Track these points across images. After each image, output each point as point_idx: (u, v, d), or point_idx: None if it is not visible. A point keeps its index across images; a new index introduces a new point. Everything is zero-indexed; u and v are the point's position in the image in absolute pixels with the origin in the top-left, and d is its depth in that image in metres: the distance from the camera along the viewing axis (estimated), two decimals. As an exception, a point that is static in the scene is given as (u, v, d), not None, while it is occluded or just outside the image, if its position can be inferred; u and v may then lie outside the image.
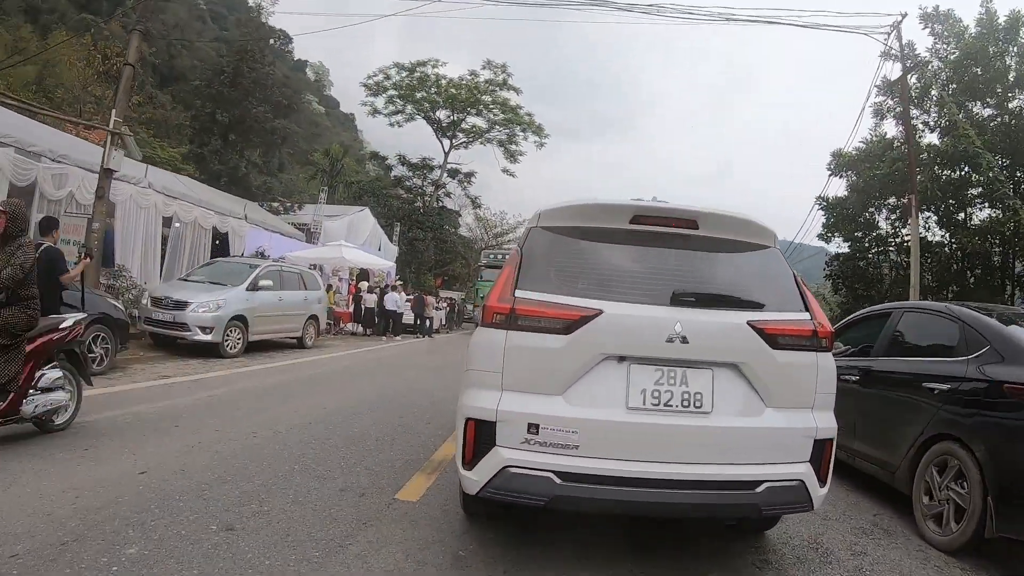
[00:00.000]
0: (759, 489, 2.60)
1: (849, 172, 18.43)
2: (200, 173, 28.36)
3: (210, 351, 9.68)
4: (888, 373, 4.69)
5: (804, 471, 2.68)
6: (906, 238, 17.69)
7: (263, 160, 26.83)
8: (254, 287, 10.68)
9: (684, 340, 2.61)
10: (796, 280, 2.97)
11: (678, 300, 2.69)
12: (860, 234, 18.71)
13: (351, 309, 18.55)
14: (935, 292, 16.31)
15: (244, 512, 3.26)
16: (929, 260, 15.45)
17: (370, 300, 18.42)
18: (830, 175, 18.86)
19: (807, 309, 2.85)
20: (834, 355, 5.39)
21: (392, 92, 40.44)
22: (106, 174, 10.47)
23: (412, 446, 5.02)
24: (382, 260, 22.24)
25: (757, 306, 2.76)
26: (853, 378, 4.94)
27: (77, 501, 3.22)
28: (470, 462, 2.65)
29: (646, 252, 2.91)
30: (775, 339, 2.69)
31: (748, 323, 2.68)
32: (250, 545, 2.84)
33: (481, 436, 2.62)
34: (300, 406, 6.33)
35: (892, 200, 17.90)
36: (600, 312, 2.62)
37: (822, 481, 2.75)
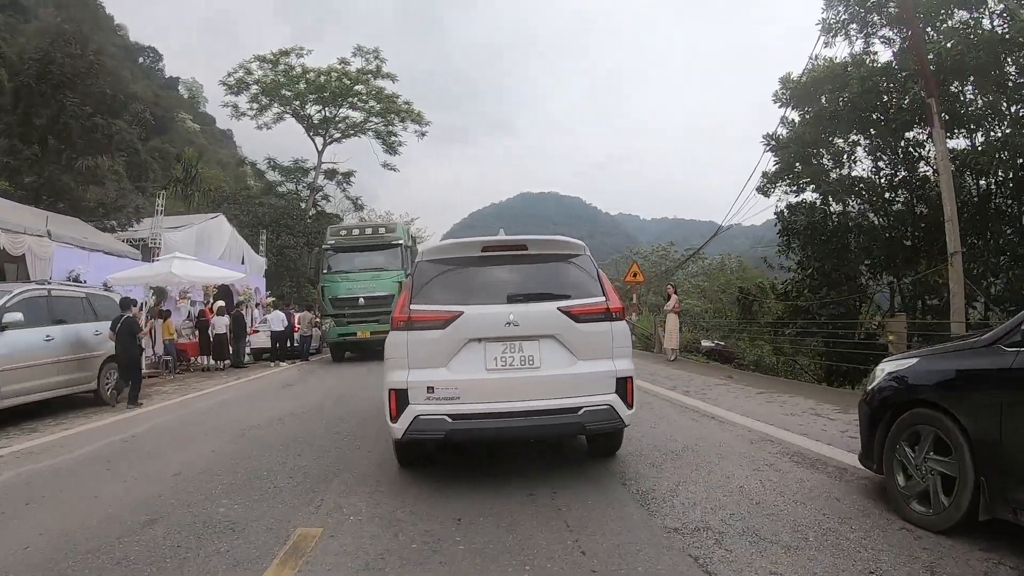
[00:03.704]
0: (580, 413, 4.05)
1: (805, 107, 15.70)
2: (16, 189, 24.01)
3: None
4: None
5: (612, 399, 4.13)
6: (859, 176, 15.56)
7: (102, 170, 22.82)
8: (-7, 328, 7.41)
9: (516, 324, 4.14)
10: (598, 276, 4.50)
11: (512, 299, 4.28)
12: (816, 174, 15.95)
13: (196, 338, 15.45)
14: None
15: None
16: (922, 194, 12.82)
17: (220, 325, 15.40)
18: (780, 106, 15.95)
19: (604, 294, 4.36)
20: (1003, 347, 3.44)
21: (255, 89, 36.93)
22: None
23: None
24: (236, 273, 19.23)
25: (565, 297, 4.29)
26: None
27: None
28: (395, 417, 4.11)
29: (492, 270, 4.50)
30: (577, 317, 4.20)
31: (558, 308, 4.21)
32: None
33: (400, 399, 4.09)
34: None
35: (845, 139, 15.66)
36: (462, 313, 4.16)
37: (628, 405, 4.20)
